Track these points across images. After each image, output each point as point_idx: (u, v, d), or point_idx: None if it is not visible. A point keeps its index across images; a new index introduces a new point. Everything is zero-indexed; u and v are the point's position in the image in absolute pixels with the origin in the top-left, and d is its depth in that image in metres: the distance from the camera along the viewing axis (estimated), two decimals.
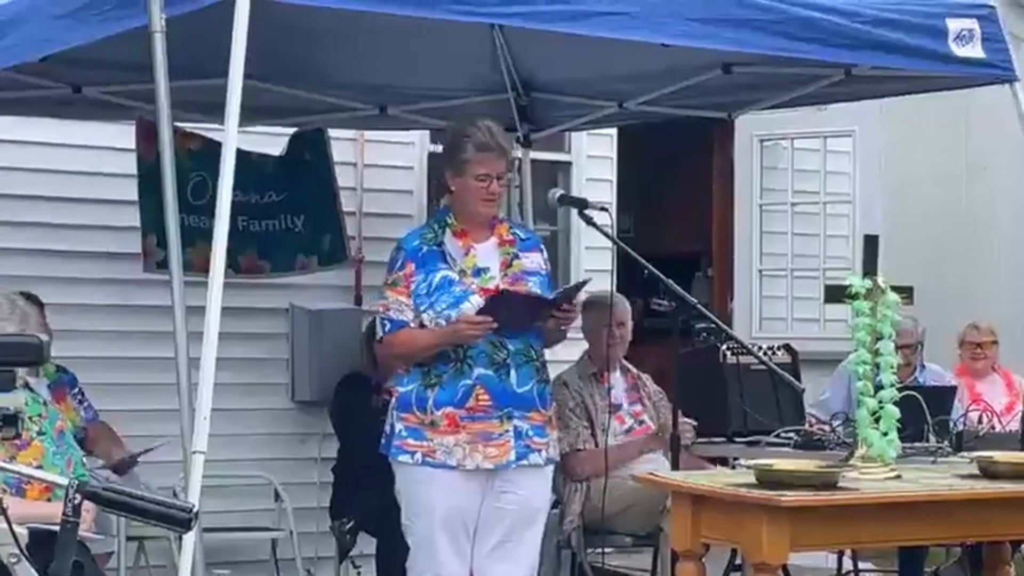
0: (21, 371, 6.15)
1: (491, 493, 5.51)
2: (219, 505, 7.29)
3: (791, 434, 6.73)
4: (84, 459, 5.70)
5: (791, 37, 5.79)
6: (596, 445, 7.00)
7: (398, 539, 7.44)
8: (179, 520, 2.84)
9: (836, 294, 5.50)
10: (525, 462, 5.51)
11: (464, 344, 5.40)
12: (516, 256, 5.58)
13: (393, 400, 5.62)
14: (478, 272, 5.52)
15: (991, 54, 6.23)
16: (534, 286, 5.55)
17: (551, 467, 5.71)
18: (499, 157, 5.52)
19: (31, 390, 5.89)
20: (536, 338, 5.56)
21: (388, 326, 5.53)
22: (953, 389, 7.55)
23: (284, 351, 8.55)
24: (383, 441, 5.61)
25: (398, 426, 5.53)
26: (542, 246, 5.75)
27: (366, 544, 7.72)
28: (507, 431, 5.46)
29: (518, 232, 5.69)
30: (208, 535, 5.98)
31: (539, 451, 5.57)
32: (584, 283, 5.67)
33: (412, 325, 5.50)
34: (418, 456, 5.47)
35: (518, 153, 5.68)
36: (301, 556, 8.04)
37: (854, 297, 5.41)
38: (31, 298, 6.88)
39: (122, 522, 6.20)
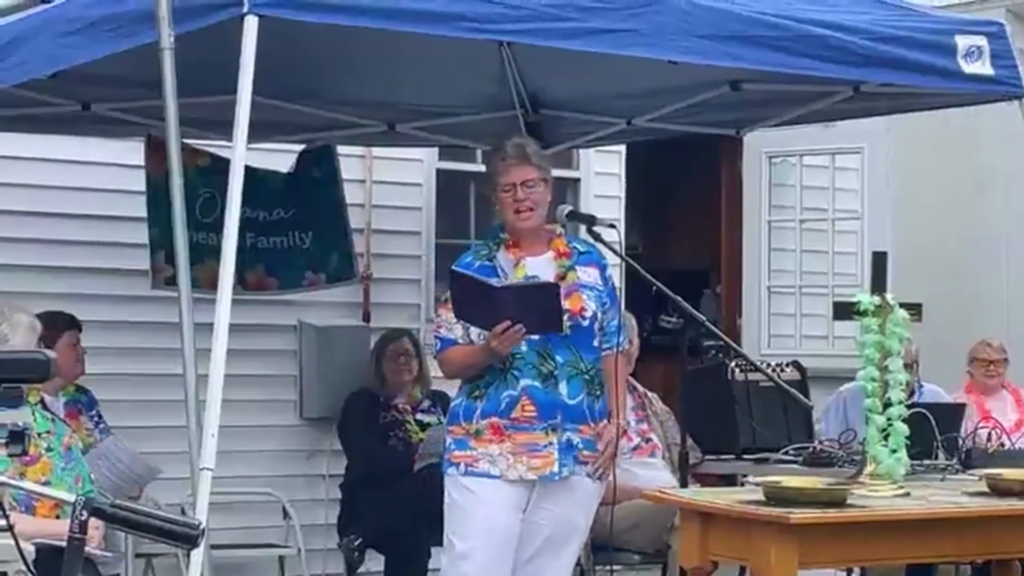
0: (38, 387, 6.20)
1: (532, 506, 5.49)
2: (227, 522, 7.29)
3: (799, 451, 6.72)
4: (92, 475, 5.69)
5: (799, 54, 5.79)
6: None
7: (407, 557, 7.49)
8: (186, 537, 2.84)
9: (845, 311, 5.50)
10: (568, 474, 5.47)
11: (503, 356, 5.38)
12: (571, 268, 5.56)
13: (446, 417, 5.67)
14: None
15: (1000, 71, 6.23)
16: (588, 299, 5.52)
17: (600, 484, 5.64)
18: (520, 165, 5.50)
19: (44, 407, 5.90)
20: (588, 350, 5.52)
21: (439, 344, 5.56)
22: (962, 407, 7.53)
23: (292, 368, 8.55)
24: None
25: (448, 439, 5.54)
26: (605, 262, 5.69)
27: (374, 562, 7.73)
28: (551, 443, 5.43)
29: (576, 246, 5.67)
30: (216, 552, 5.99)
31: (589, 464, 5.54)
32: (548, 285, 5.45)
33: (461, 342, 5.50)
34: (462, 467, 5.46)
35: (547, 172, 5.60)
36: (309, 573, 8.03)
37: (863, 314, 5.41)
38: (64, 318, 6.91)
39: (130, 539, 6.19)
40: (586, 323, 5.51)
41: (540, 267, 5.53)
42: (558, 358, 5.45)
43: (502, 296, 5.31)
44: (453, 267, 5.50)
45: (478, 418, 5.44)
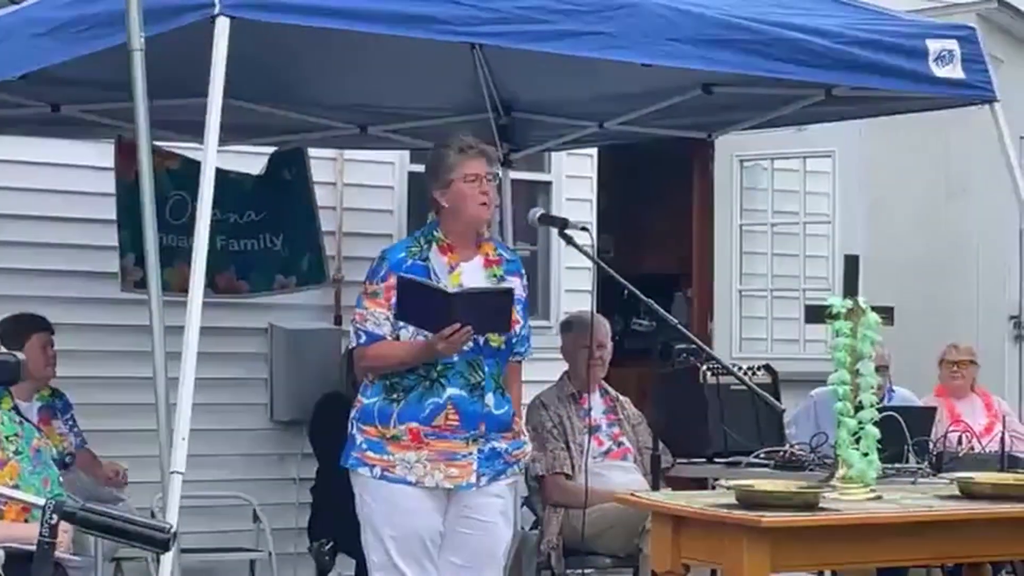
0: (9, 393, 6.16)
1: (452, 516, 5.44)
2: (197, 526, 7.26)
3: (771, 455, 6.73)
4: (60, 479, 5.66)
5: (772, 57, 5.79)
6: (574, 467, 6.99)
7: None
8: (157, 540, 2.81)
9: (817, 314, 5.50)
10: (487, 483, 5.44)
11: (437, 359, 5.35)
12: (503, 278, 5.52)
13: (354, 411, 5.50)
14: None
15: (971, 75, 6.24)
16: (519, 313, 5.45)
17: (517, 481, 5.63)
18: (481, 157, 5.47)
19: (17, 411, 5.86)
20: (505, 363, 5.49)
21: (363, 338, 5.43)
22: (932, 410, 7.55)
23: (263, 371, 8.52)
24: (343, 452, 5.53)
25: (359, 438, 5.43)
26: (523, 271, 5.68)
27: (345, 565, 7.71)
28: (471, 453, 5.39)
29: (504, 253, 5.63)
30: (186, 556, 5.96)
31: (517, 463, 5.54)
32: (506, 291, 5.40)
33: (388, 339, 5.44)
34: (377, 470, 5.38)
35: (499, 172, 5.58)
36: None
37: (835, 317, 5.41)
38: (36, 321, 6.88)
39: (100, 543, 6.16)
40: (515, 338, 5.50)
41: (473, 273, 5.47)
42: (486, 369, 5.42)
43: (455, 301, 5.26)
44: (401, 274, 5.39)
45: (395, 422, 5.36)
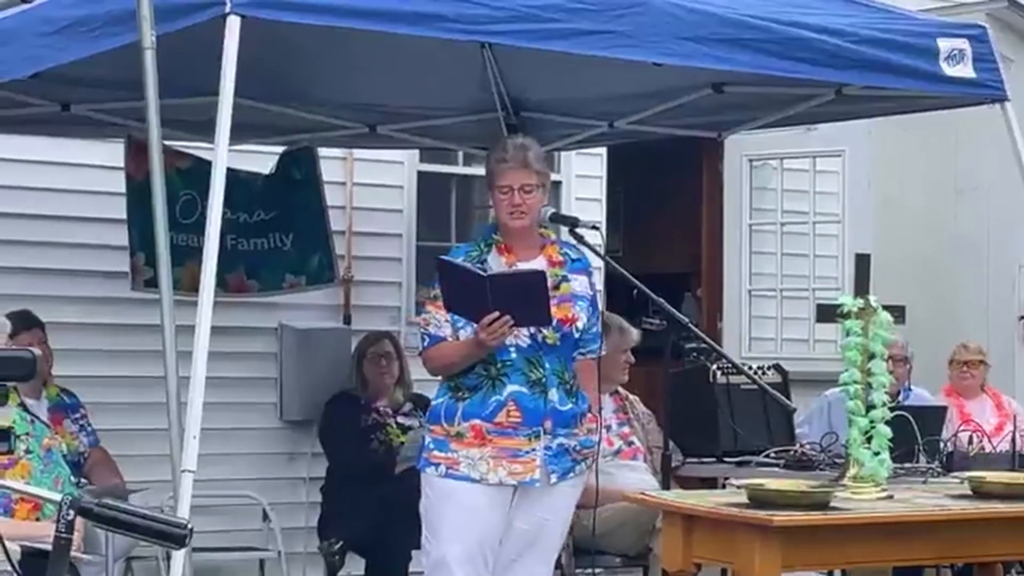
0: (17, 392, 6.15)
1: (514, 511, 5.46)
2: (207, 525, 7.25)
3: (781, 454, 6.72)
4: (72, 478, 5.67)
5: (782, 56, 5.79)
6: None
7: (387, 560, 7.47)
8: (175, 536, 2.81)
9: (828, 313, 5.49)
10: (556, 481, 5.45)
11: (491, 352, 5.35)
12: (565, 279, 5.53)
13: (427, 413, 5.61)
14: None
15: (982, 74, 6.23)
16: (581, 311, 5.50)
17: (578, 490, 5.63)
18: (519, 170, 5.47)
19: (25, 410, 5.86)
20: (571, 361, 5.52)
21: (427, 340, 5.52)
22: (943, 409, 7.54)
23: (273, 370, 8.52)
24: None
25: (427, 438, 5.51)
26: (591, 268, 5.71)
27: (355, 565, 7.70)
28: (534, 449, 5.41)
29: (569, 253, 5.64)
30: (196, 555, 5.96)
31: (585, 460, 5.54)
32: (534, 272, 5.41)
33: (450, 340, 5.48)
34: (442, 468, 5.43)
35: (544, 176, 5.58)
36: None
37: (846, 316, 5.40)
38: (29, 317, 6.87)
39: (112, 541, 6.16)
40: (577, 334, 5.51)
41: None
42: (547, 365, 5.43)
43: (488, 284, 5.28)
44: (441, 256, 5.46)
45: (460, 420, 5.41)
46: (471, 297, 5.32)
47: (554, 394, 5.42)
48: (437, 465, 5.44)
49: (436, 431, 5.47)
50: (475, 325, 5.33)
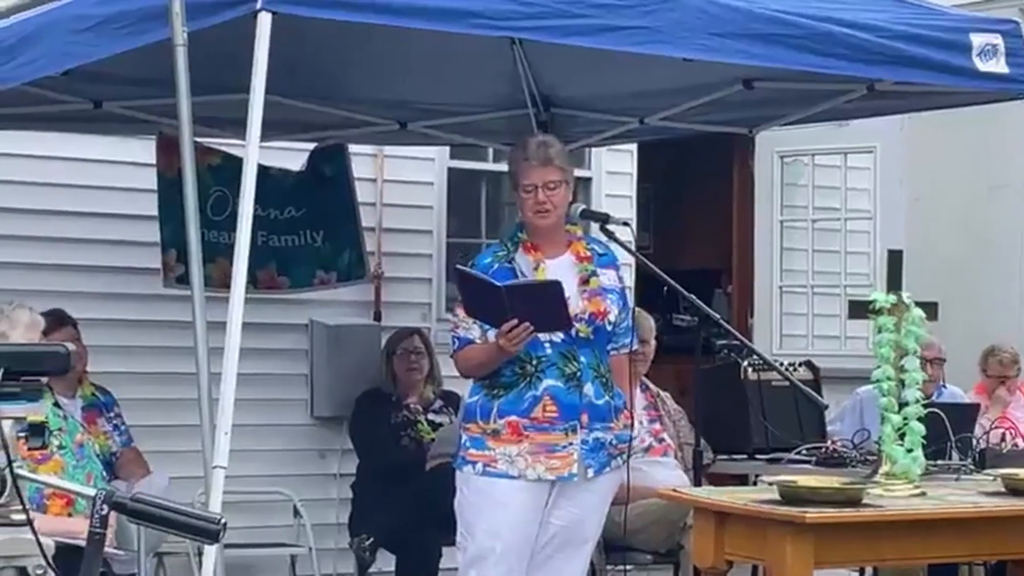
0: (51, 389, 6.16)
1: (552, 506, 5.47)
2: (238, 521, 7.21)
3: (812, 451, 6.70)
4: (103, 474, 5.69)
5: (813, 52, 5.76)
6: None
7: (418, 556, 7.47)
8: (209, 531, 2.81)
9: (860, 310, 5.47)
10: (593, 475, 5.45)
11: (513, 355, 5.36)
12: (594, 273, 5.54)
13: (460, 412, 5.61)
14: None
15: (1015, 69, 6.18)
16: (612, 304, 5.52)
17: (614, 486, 5.64)
18: (542, 167, 5.48)
19: (58, 406, 5.87)
20: (606, 354, 5.53)
21: (456, 343, 5.54)
22: (976, 407, 7.51)
23: (303, 367, 8.53)
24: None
25: (463, 437, 5.50)
26: (618, 263, 5.72)
27: (385, 561, 7.71)
28: (572, 444, 5.41)
29: (596, 248, 5.65)
30: (227, 551, 5.96)
31: (622, 455, 5.54)
32: (550, 283, 5.40)
33: (478, 342, 5.48)
34: (479, 466, 5.43)
35: (569, 173, 5.59)
36: (320, 573, 8.01)
37: (878, 312, 5.38)
38: (61, 315, 6.89)
39: (143, 536, 6.17)
40: (609, 327, 5.51)
41: (561, 270, 5.50)
42: (582, 359, 5.43)
43: (504, 295, 5.28)
44: (458, 265, 5.47)
45: (495, 417, 5.41)
46: (490, 304, 5.33)
47: (589, 388, 5.42)
48: (475, 463, 5.44)
49: (472, 429, 5.47)
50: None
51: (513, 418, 5.38)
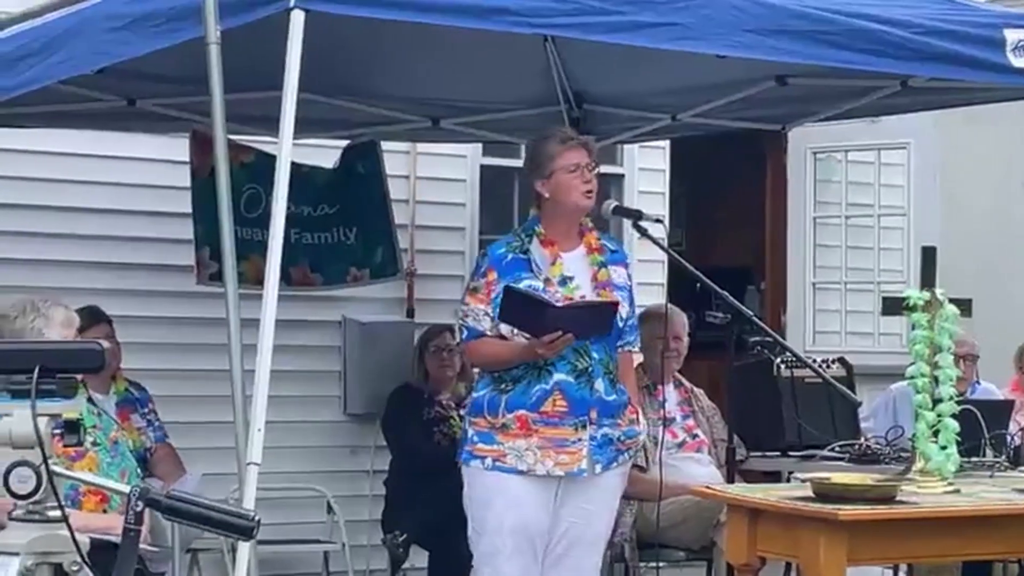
0: (86, 385, 6.16)
1: (561, 503, 5.47)
2: (271, 517, 7.25)
3: (846, 448, 6.69)
4: (138, 471, 5.70)
5: (846, 48, 5.73)
6: (648, 459, 6.96)
7: (451, 552, 7.46)
8: (243, 528, 2.82)
9: (894, 306, 5.46)
10: (600, 471, 5.46)
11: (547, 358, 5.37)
12: (604, 265, 5.57)
13: (467, 406, 5.61)
14: (564, 281, 5.50)
15: None
16: (623, 301, 5.53)
17: (624, 480, 5.65)
18: (581, 148, 5.52)
19: (92, 403, 5.88)
20: (615, 350, 5.55)
21: (465, 333, 5.54)
22: (1010, 403, 7.49)
23: (336, 363, 8.55)
24: (458, 447, 5.60)
25: (470, 431, 5.50)
26: (627, 261, 5.76)
27: (419, 557, 7.72)
28: (581, 439, 5.42)
29: (607, 243, 5.69)
30: (261, 547, 5.98)
31: (629, 450, 5.56)
32: (609, 304, 5.47)
33: (489, 334, 5.48)
34: (488, 461, 5.43)
35: (615, 169, 5.65)
36: (353, 569, 8.03)
37: (912, 309, 5.37)
38: (96, 313, 6.91)
39: (177, 533, 6.20)
40: (621, 323, 5.52)
41: (576, 263, 5.53)
42: (594, 355, 5.44)
43: (560, 314, 5.30)
44: (509, 284, 5.44)
45: (504, 411, 5.41)
46: (534, 320, 5.33)
47: (600, 384, 5.44)
48: (483, 458, 5.43)
49: (480, 424, 5.46)
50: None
51: (522, 412, 5.38)
